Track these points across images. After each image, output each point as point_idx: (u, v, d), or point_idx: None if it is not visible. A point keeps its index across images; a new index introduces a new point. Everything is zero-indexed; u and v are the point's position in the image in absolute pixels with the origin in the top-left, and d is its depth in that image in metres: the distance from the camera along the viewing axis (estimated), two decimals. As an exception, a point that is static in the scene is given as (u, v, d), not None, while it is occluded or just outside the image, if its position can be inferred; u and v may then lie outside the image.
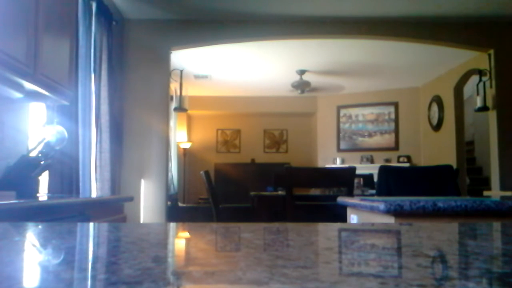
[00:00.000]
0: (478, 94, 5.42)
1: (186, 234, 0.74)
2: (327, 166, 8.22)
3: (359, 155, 8.42)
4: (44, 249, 0.57)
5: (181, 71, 5.95)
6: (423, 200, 1.66)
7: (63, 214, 1.87)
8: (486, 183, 7.46)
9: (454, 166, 5.96)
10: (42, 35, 2.20)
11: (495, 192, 5.13)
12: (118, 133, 4.58)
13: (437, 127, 7.26)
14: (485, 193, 5.37)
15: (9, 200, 1.59)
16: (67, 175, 3.08)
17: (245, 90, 8.39)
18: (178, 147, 8.44)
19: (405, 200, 1.66)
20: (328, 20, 4.94)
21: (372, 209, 1.76)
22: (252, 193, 4.95)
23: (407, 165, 7.85)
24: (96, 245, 0.62)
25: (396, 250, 0.57)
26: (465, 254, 0.53)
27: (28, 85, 2.20)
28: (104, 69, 3.99)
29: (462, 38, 5.11)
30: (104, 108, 3.99)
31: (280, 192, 4.80)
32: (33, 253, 0.53)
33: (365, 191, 4.91)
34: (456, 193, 3.18)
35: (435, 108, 7.34)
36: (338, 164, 8.40)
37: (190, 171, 9.09)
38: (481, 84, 5.42)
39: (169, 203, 5.10)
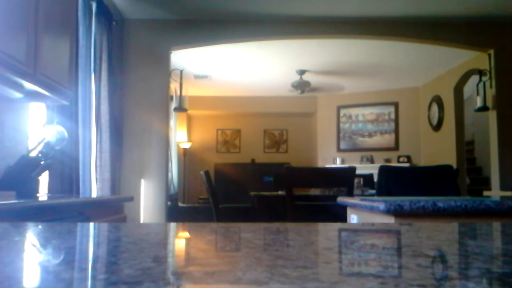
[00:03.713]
0: (478, 94, 5.42)
1: (186, 234, 0.74)
2: (327, 166, 8.22)
3: (359, 155, 8.42)
4: (44, 249, 0.57)
5: (181, 71, 5.95)
6: (423, 200, 1.66)
7: (63, 214, 1.87)
8: (486, 183, 7.47)
9: (454, 166, 5.96)
10: (42, 35, 2.20)
11: (495, 192, 5.13)
12: (118, 133, 4.58)
13: (437, 127, 7.26)
14: (485, 193, 5.37)
15: (9, 200, 1.59)
16: (67, 175, 3.08)
17: (245, 90, 8.39)
18: (178, 147, 8.44)
19: (405, 200, 1.66)
20: (328, 20, 4.94)
21: (372, 209, 1.76)
22: (252, 193, 4.94)
23: (407, 165, 7.85)
24: (96, 245, 0.62)
25: (396, 250, 0.57)
26: (465, 254, 0.53)
27: (28, 85, 2.20)
28: (104, 69, 3.99)
29: (462, 38, 5.11)
30: (104, 108, 3.99)
31: (280, 192, 4.80)
32: (33, 253, 0.53)
33: (365, 191, 4.90)
34: (456, 193, 3.18)
35: (435, 108, 7.34)
36: (338, 164, 8.40)
37: (190, 171, 9.09)
38: (481, 84, 5.42)
39: (169, 203, 5.10)
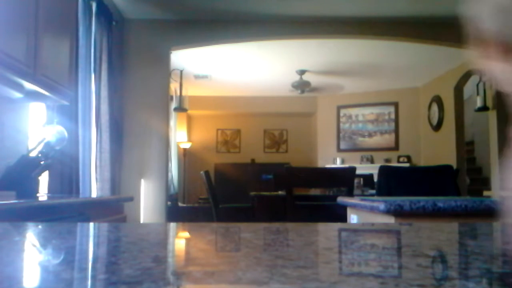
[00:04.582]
0: (478, 94, 5.42)
1: (186, 234, 0.74)
2: (327, 166, 8.22)
3: (359, 155, 8.42)
4: (44, 249, 0.57)
5: (181, 71, 5.95)
6: (423, 200, 1.66)
7: (63, 214, 1.87)
8: (486, 183, 7.46)
9: (454, 166, 5.96)
10: (42, 35, 2.20)
11: (495, 192, 5.13)
12: (118, 133, 4.58)
13: (437, 127, 7.26)
14: (485, 193, 5.37)
15: (9, 200, 1.59)
16: (67, 175, 3.08)
17: (245, 90, 8.39)
18: (178, 147, 8.44)
19: (405, 200, 1.66)
20: (328, 20, 4.93)
21: (372, 209, 1.76)
22: (252, 193, 4.94)
23: (407, 165, 7.85)
24: (96, 245, 0.62)
25: (396, 250, 0.57)
26: (465, 254, 0.53)
27: (28, 85, 2.20)
28: (104, 69, 3.99)
29: (462, 38, 5.10)
30: (104, 108, 3.99)
31: (280, 192, 4.80)
32: (33, 253, 0.53)
33: (365, 191, 4.90)
34: (456, 193, 3.18)
35: (435, 108, 7.34)
36: (338, 164, 8.40)
37: (190, 171, 9.09)
38: (481, 84, 5.42)
39: (169, 203, 5.10)
